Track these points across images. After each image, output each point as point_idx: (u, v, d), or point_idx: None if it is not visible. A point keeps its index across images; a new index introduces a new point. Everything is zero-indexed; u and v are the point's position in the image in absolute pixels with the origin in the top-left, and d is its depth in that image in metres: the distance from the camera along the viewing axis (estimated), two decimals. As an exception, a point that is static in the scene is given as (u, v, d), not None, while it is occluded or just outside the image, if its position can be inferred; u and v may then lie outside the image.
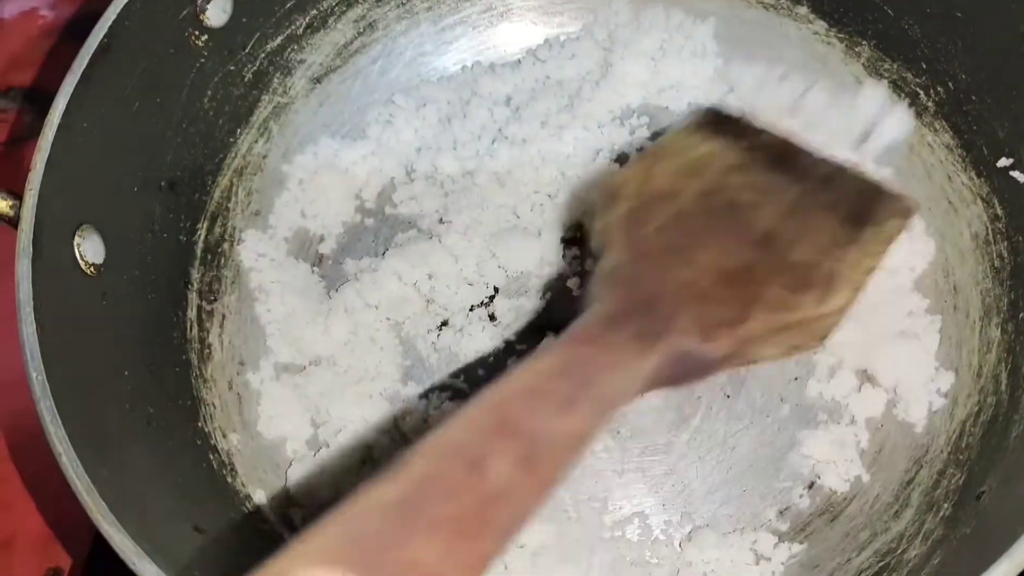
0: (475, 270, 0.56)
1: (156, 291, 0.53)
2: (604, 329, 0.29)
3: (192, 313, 0.55)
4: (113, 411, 0.47)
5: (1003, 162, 0.51)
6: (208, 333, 0.55)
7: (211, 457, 0.52)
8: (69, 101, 0.47)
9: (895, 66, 0.56)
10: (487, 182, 0.58)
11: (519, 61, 0.63)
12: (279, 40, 0.59)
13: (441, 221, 0.58)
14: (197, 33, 0.54)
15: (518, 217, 0.57)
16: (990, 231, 0.52)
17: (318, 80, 0.61)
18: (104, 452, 0.43)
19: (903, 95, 0.56)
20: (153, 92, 0.52)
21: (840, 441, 0.51)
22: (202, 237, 0.57)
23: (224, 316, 0.56)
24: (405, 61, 0.63)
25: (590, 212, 0.39)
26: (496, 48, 0.64)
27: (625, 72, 0.60)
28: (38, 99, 0.69)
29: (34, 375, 0.42)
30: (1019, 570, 0.37)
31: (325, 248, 0.59)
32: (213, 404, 0.54)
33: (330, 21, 0.60)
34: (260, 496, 0.52)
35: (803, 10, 0.59)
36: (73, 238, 0.47)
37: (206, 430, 0.53)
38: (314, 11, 0.59)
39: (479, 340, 0.55)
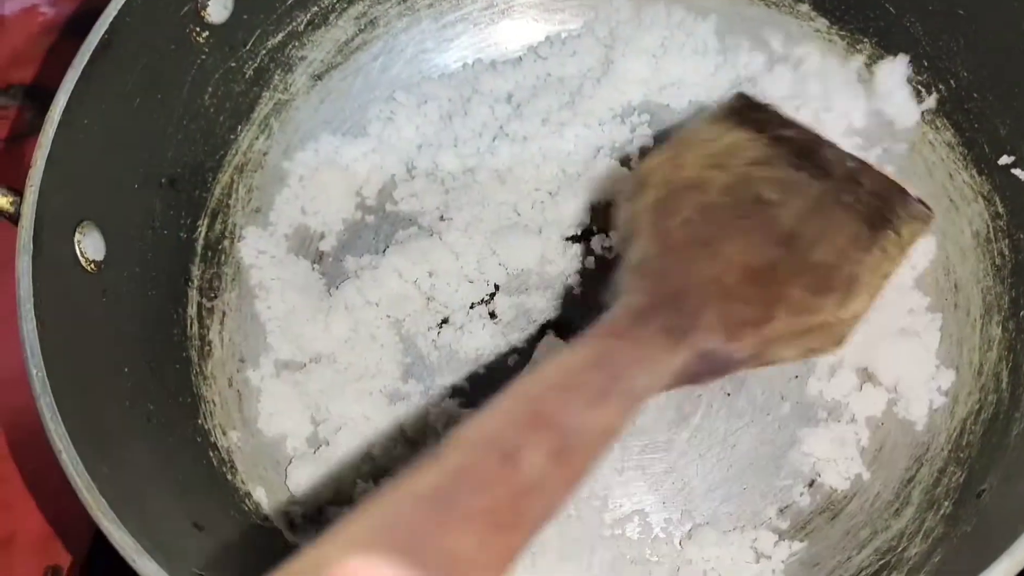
0: (476, 267, 0.56)
1: (156, 288, 0.53)
2: (633, 323, 0.30)
3: (192, 310, 0.55)
4: (113, 408, 0.47)
5: (1004, 160, 0.51)
6: (208, 330, 0.55)
7: (211, 454, 0.52)
8: (70, 98, 0.47)
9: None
10: (488, 179, 0.58)
11: (520, 58, 0.63)
12: (280, 37, 0.59)
13: (442, 218, 0.58)
14: (198, 30, 0.54)
15: (519, 214, 0.57)
16: (991, 229, 0.52)
17: (319, 77, 0.61)
18: (104, 449, 0.43)
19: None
20: (154, 89, 0.52)
21: (841, 439, 0.51)
22: (202, 234, 0.57)
23: (224, 313, 0.56)
24: (406, 58, 0.63)
25: (617, 197, 0.39)
26: (497, 45, 0.63)
27: (626, 69, 0.60)
28: (39, 96, 0.69)
29: (34, 372, 0.42)
30: (1020, 568, 0.37)
31: (326, 245, 0.59)
32: (213, 401, 0.54)
33: (331, 18, 0.60)
34: (260, 493, 0.52)
35: (804, 7, 0.59)
36: (74, 235, 0.47)
37: (206, 427, 0.52)
38: (315, 8, 0.59)
39: (479, 338, 0.55)
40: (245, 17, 0.56)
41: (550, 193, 0.58)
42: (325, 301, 0.56)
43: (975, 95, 0.52)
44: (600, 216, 0.57)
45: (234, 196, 0.58)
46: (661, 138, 0.59)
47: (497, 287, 0.56)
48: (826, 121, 0.52)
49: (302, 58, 0.60)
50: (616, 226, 0.38)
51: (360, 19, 0.61)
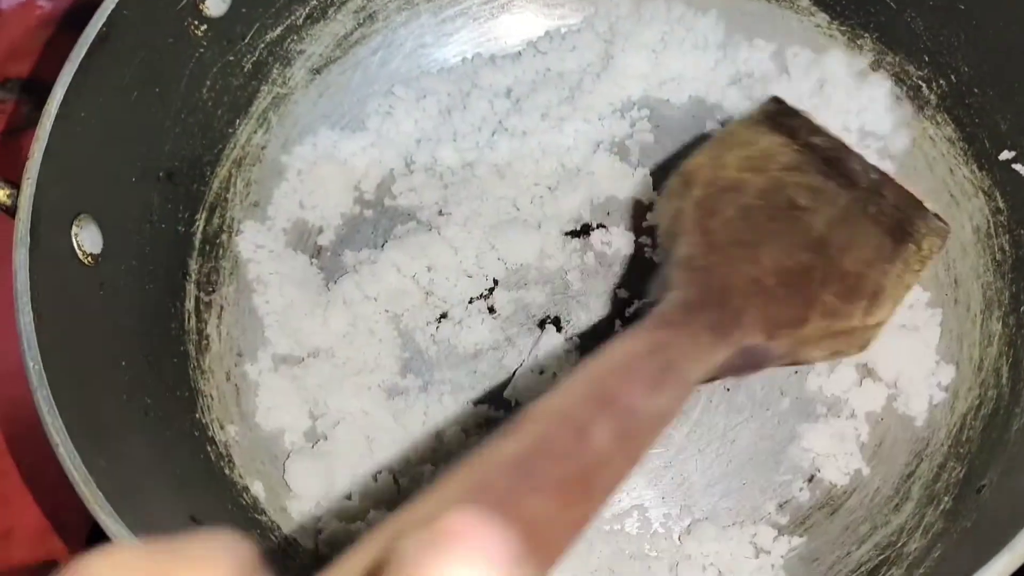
0: (474, 262, 0.56)
1: (154, 282, 0.53)
2: (683, 317, 0.32)
3: (190, 304, 0.55)
4: (110, 401, 0.46)
5: (1005, 155, 0.51)
6: (206, 324, 0.55)
7: (209, 448, 0.52)
8: (67, 91, 0.47)
9: (897, 59, 0.56)
10: (487, 174, 0.58)
11: (520, 53, 0.62)
12: (279, 30, 0.58)
13: (440, 213, 0.58)
14: (196, 23, 0.54)
15: (518, 209, 0.57)
16: (992, 224, 0.51)
17: (318, 71, 0.61)
18: (101, 442, 0.43)
19: (905, 88, 0.56)
20: (152, 82, 0.52)
21: (840, 434, 0.51)
22: (200, 228, 0.56)
23: (222, 307, 0.56)
24: (405, 52, 0.63)
25: (663, 194, 0.40)
26: (497, 40, 0.63)
27: (626, 64, 0.59)
28: (36, 90, 0.69)
29: (31, 365, 0.42)
30: (1020, 563, 0.37)
31: (324, 239, 0.59)
32: (211, 395, 0.54)
33: (330, 12, 0.60)
34: (258, 488, 0.52)
35: (805, 2, 0.59)
36: (71, 228, 0.47)
37: (204, 421, 0.52)
38: (314, 1, 0.59)
39: (478, 332, 0.55)
40: (243, 11, 0.56)
41: (549, 188, 0.58)
42: (323, 295, 0.56)
43: (976, 90, 0.52)
44: (599, 211, 0.57)
45: (232, 190, 0.58)
46: (661, 134, 0.59)
47: (496, 282, 0.56)
48: (826, 116, 0.52)
49: (300, 52, 0.60)
50: (659, 221, 0.39)
51: (359, 13, 0.61)
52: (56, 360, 0.42)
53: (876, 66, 0.57)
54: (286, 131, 0.60)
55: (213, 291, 0.56)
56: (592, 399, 0.26)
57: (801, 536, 0.49)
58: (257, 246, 0.58)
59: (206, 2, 0.54)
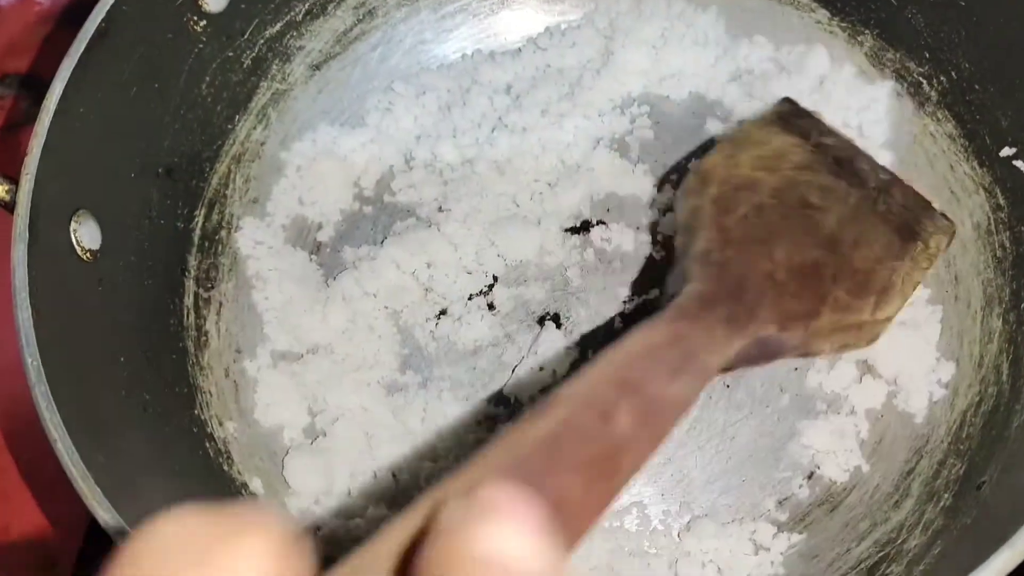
0: (474, 259, 0.56)
1: (153, 278, 0.52)
2: (700, 309, 0.33)
3: (189, 300, 0.55)
4: (109, 397, 0.46)
5: (1006, 152, 0.51)
6: (205, 320, 0.55)
7: (207, 445, 0.52)
8: (66, 86, 0.47)
9: (898, 55, 0.56)
10: (487, 170, 0.58)
11: (519, 49, 0.62)
12: (278, 26, 0.58)
13: (440, 209, 0.58)
14: (195, 18, 0.54)
15: (517, 206, 0.57)
16: (992, 221, 0.51)
17: (317, 67, 0.61)
18: (100, 438, 0.42)
19: (906, 84, 0.56)
20: (151, 78, 0.52)
21: (840, 431, 0.51)
22: (199, 224, 0.56)
23: (221, 303, 0.56)
24: (405, 48, 0.63)
25: (681, 191, 0.42)
26: (496, 36, 0.63)
27: (626, 60, 0.59)
28: (34, 86, 0.69)
29: (29, 361, 0.42)
30: (1020, 560, 0.37)
31: (323, 236, 0.59)
32: (210, 392, 0.53)
33: (329, 8, 0.60)
34: (256, 484, 0.52)
35: (805, -1, 0.59)
36: (69, 223, 0.47)
37: (202, 417, 0.52)
38: (313, -3, 0.59)
39: (477, 329, 0.55)
40: (243, 6, 0.56)
41: (549, 184, 0.57)
42: (323, 292, 0.56)
43: (976, 87, 0.52)
44: (599, 208, 0.57)
45: (231, 186, 0.58)
46: (661, 130, 0.59)
47: (495, 278, 0.56)
48: (826, 113, 0.52)
49: (300, 48, 0.60)
50: (677, 217, 0.41)
51: (359, 9, 0.61)
52: (54, 356, 0.42)
53: (877, 63, 0.57)
54: (285, 127, 0.60)
55: (212, 287, 0.56)
56: (616, 385, 0.27)
57: (801, 533, 0.49)
58: (256, 242, 0.58)
59: (205, -2, 0.54)
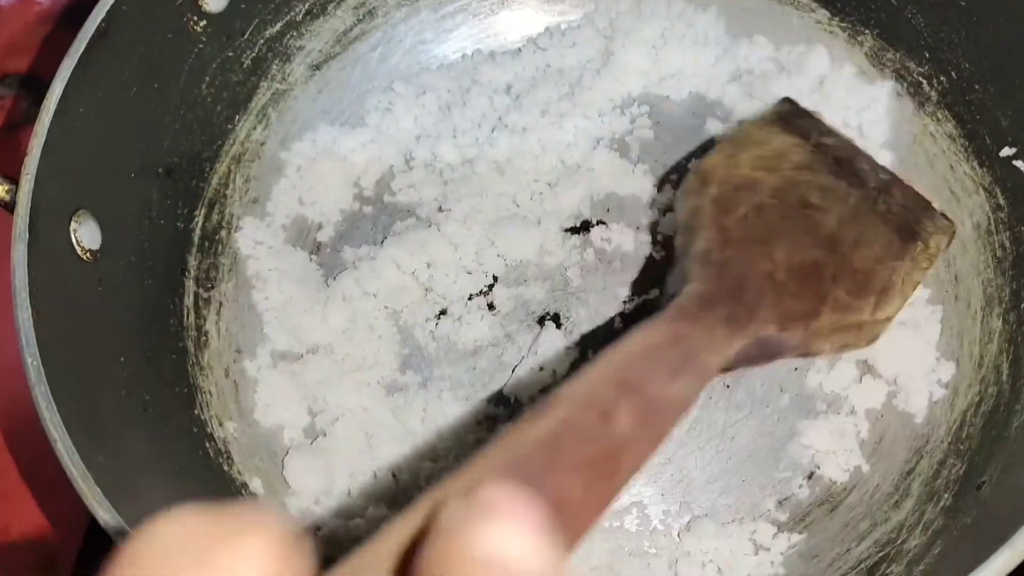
0: (474, 259, 0.56)
1: (153, 278, 0.52)
2: (700, 309, 0.33)
3: (189, 300, 0.55)
4: (109, 397, 0.46)
5: (1006, 152, 0.51)
6: (205, 320, 0.55)
7: (207, 445, 0.52)
8: (66, 86, 0.47)
9: (898, 55, 0.56)
10: (487, 170, 0.58)
11: (520, 49, 0.62)
12: (278, 26, 0.58)
13: (440, 209, 0.58)
14: (196, 18, 0.54)
15: (517, 206, 0.57)
16: (992, 221, 0.51)
17: (317, 67, 0.61)
18: (100, 438, 0.42)
19: (906, 84, 0.56)
20: (151, 78, 0.52)
21: (840, 431, 0.51)
22: (199, 224, 0.56)
23: (221, 304, 0.56)
24: (405, 48, 0.63)
25: (681, 191, 0.42)
26: (497, 36, 0.63)
27: (626, 60, 0.59)
28: (34, 86, 0.69)
29: (29, 361, 0.41)
30: (1020, 560, 0.37)
31: (323, 236, 0.59)
32: (210, 392, 0.53)
33: (329, 8, 0.60)
34: (256, 484, 0.52)
35: (805, -1, 0.59)
36: (69, 223, 0.47)
37: (202, 418, 0.52)
38: (313, -3, 0.59)
39: (477, 329, 0.55)
40: (243, 6, 0.56)
41: (549, 184, 0.57)
42: (323, 292, 0.56)
43: (976, 87, 0.52)
44: (599, 208, 0.57)
45: (231, 186, 0.58)
46: (661, 130, 0.59)
47: (495, 278, 0.56)
48: (826, 113, 0.52)
49: (300, 48, 0.60)
50: (677, 217, 0.41)
51: (359, 9, 0.61)
52: (54, 356, 0.42)
53: (877, 63, 0.57)
54: (285, 127, 0.60)
55: (212, 287, 0.56)
56: (616, 385, 0.27)
57: (801, 533, 0.49)
58: (256, 242, 0.58)
59: (205, -3, 0.54)
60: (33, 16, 0.72)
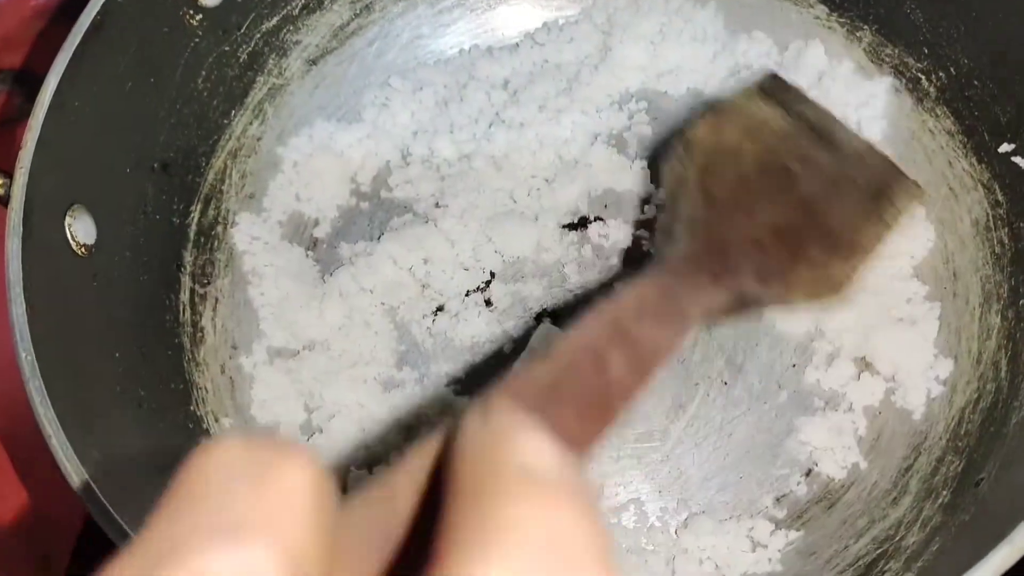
0: (471, 255, 0.56)
1: (148, 273, 0.52)
2: (687, 267, 0.37)
3: (185, 296, 0.55)
4: (104, 393, 0.46)
5: (1004, 148, 0.50)
6: (201, 316, 0.55)
7: (203, 441, 0.51)
8: (61, 80, 0.46)
9: (896, 51, 0.56)
10: (484, 166, 0.57)
11: (517, 45, 0.62)
12: (275, 21, 0.58)
13: (437, 205, 0.57)
14: (191, 12, 0.53)
15: (515, 201, 0.57)
16: (991, 217, 0.51)
17: (314, 62, 0.61)
18: (94, 434, 0.42)
19: (904, 80, 0.56)
20: (146, 72, 0.52)
21: (838, 428, 0.50)
22: (195, 219, 0.56)
23: (217, 299, 0.56)
24: (402, 43, 0.62)
25: (668, 159, 0.44)
26: (494, 31, 0.63)
27: (624, 56, 0.59)
28: (28, 81, 0.68)
29: (24, 356, 0.41)
30: (1018, 556, 0.37)
31: (320, 232, 0.58)
32: (205, 388, 0.53)
33: (326, 2, 0.60)
34: (253, 481, 0.52)
35: (804, -6, 0.59)
36: (64, 218, 0.46)
37: (198, 414, 0.52)
38: (310, -8, 0.59)
39: (475, 325, 0.54)
40: (239, 0, 0.55)
41: (546, 180, 0.57)
42: (319, 288, 0.56)
43: (975, 83, 0.52)
44: (596, 204, 0.57)
45: (227, 181, 0.58)
46: (659, 126, 0.59)
47: (493, 274, 0.56)
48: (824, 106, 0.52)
49: (297, 42, 0.60)
50: (664, 183, 0.44)
51: (356, 3, 0.61)
52: (49, 351, 0.42)
53: (875, 58, 0.57)
54: (282, 122, 0.60)
55: (208, 283, 0.56)
56: (608, 332, 0.30)
57: (798, 530, 0.49)
58: (252, 238, 0.57)
59: (201, -9, 0.53)
60: (28, 11, 0.71)
